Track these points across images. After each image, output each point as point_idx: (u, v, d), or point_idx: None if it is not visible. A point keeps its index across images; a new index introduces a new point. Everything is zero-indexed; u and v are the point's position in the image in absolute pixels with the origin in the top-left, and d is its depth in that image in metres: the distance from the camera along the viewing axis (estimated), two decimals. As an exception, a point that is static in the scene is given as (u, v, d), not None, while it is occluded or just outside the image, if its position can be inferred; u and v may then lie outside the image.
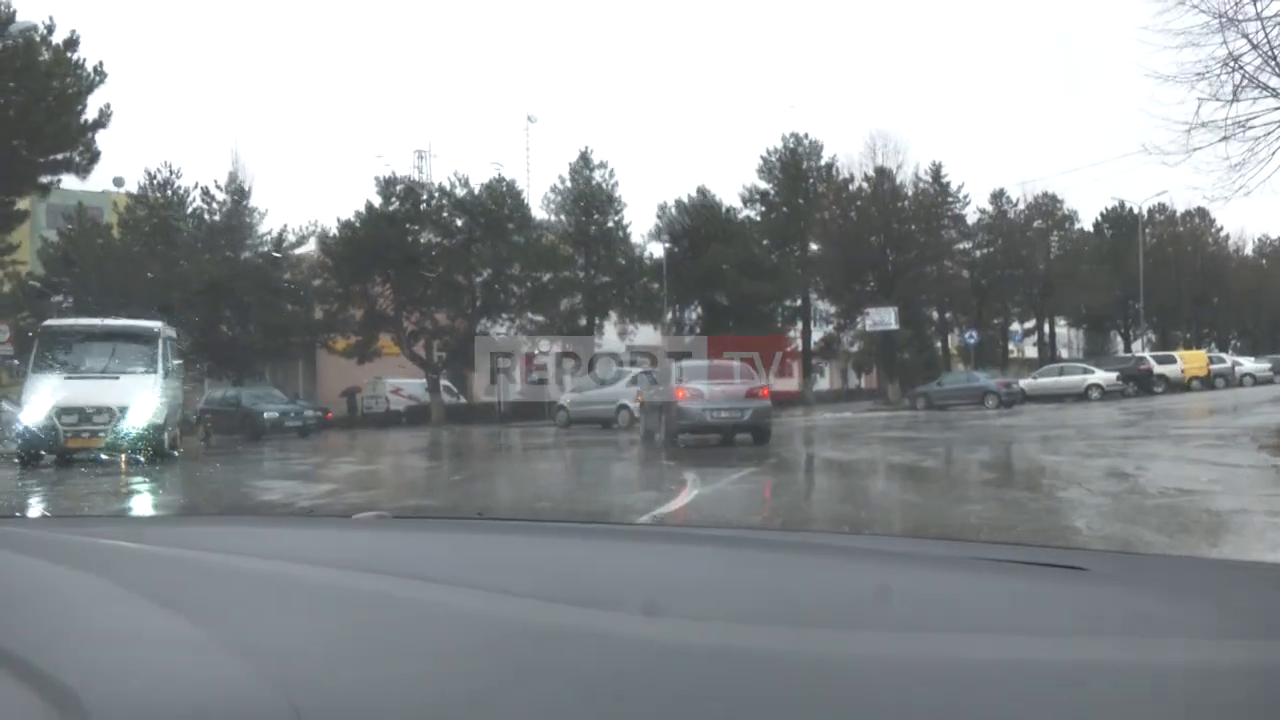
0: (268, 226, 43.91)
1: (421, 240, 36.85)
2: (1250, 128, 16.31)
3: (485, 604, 0.89)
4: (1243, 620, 0.89)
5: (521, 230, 37.81)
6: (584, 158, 38.57)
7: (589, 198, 37.54)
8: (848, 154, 51.01)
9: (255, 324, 39.33)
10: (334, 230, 36.70)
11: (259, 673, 0.68)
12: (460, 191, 36.88)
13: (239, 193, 43.28)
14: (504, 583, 1.00)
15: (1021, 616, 0.89)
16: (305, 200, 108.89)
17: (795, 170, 45.58)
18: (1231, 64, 15.42)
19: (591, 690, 0.66)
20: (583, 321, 38.36)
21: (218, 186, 43.70)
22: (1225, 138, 16.27)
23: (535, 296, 37.01)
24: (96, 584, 0.99)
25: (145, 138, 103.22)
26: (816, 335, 49.51)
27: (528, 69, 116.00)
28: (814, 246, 44.72)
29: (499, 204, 36.81)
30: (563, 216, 38.66)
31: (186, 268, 39.06)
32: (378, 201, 36.06)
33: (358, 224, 35.84)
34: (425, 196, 37.03)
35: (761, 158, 45.94)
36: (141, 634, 0.82)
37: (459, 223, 36.84)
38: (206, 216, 42.03)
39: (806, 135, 45.71)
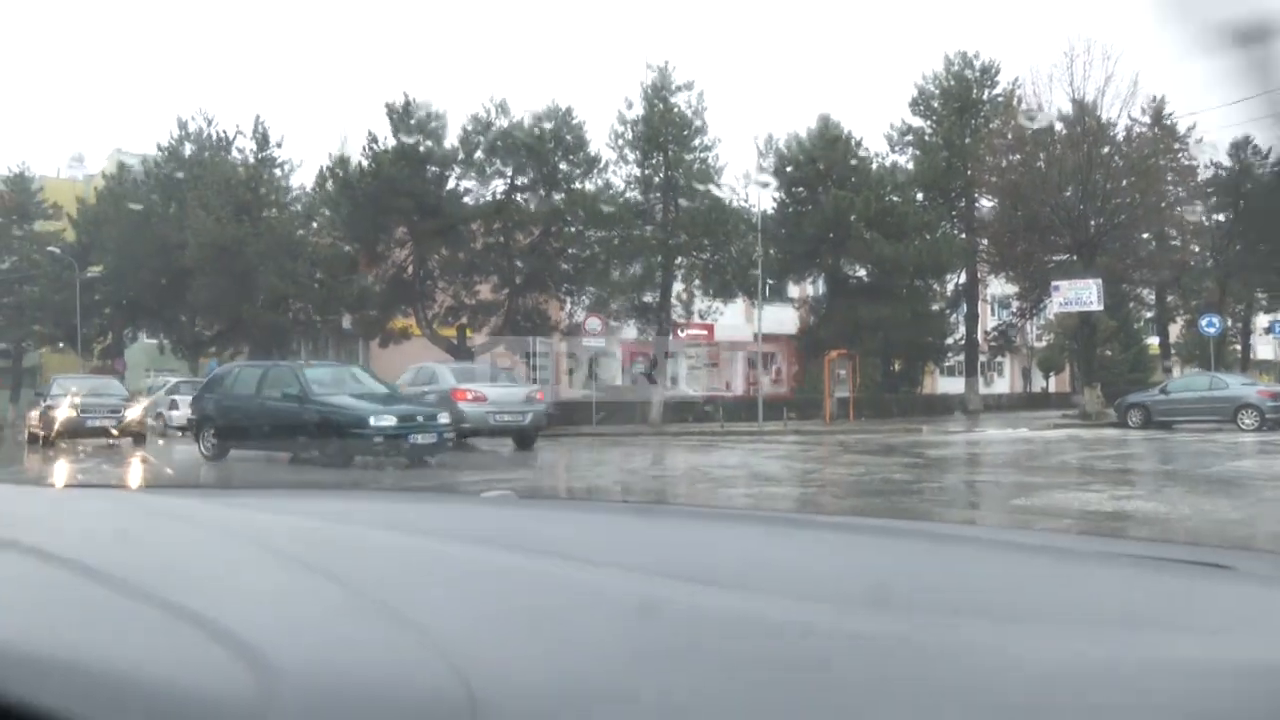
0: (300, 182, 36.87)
1: (449, 188, 28.19)
2: None
3: (628, 582, 0.92)
4: None
5: (585, 176, 28.68)
6: (662, 74, 28.80)
7: (666, 128, 27.75)
8: (1035, 76, 38.80)
9: (269, 295, 31.81)
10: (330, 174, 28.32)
11: (421, 642, 0.72)
12: (502, 123, 27.92)
13: (263, 141, 36.21)
14: (645, 561, 1.03)
15: (1165, 612, 0.91)
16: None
17: (962, 101, 34.37)
18: None
19: (746, 669, 0.71)
20: (653, 297, 28.82)
21: (240, 133, 36.84)
22: None
23: (594, 262, 27.79)
24: (255, 552, 1.04)
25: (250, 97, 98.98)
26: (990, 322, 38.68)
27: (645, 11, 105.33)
28: (983, 204, 33.64)
29: (553, 141, 27.75)
30: (631, 155, 29.00)
31: (206, 228, 31.86)
32: (385, 136, 27.39)
33: (367, 162, 27.32)
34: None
35: (917, 86, 34.90)
36: (310, 600, 0.87)
37: (499, 165, 27.99)
38: (242, 169, 35.06)
39: (977, 56, 34.49)
